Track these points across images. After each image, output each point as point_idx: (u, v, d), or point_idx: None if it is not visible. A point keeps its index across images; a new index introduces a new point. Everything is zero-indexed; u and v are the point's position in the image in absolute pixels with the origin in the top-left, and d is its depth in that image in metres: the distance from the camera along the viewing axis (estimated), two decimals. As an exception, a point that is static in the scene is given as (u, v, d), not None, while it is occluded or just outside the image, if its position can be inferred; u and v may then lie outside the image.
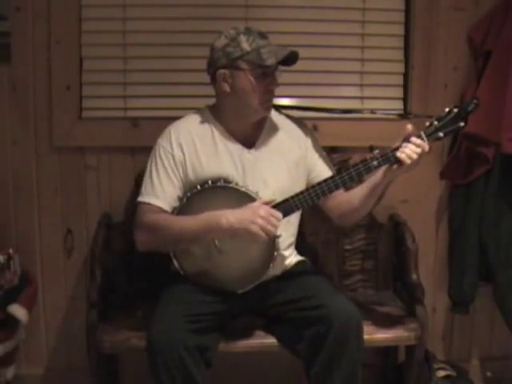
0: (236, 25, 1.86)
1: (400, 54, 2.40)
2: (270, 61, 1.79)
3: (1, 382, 2.09)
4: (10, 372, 2.12)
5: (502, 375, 2.50)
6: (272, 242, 1.81)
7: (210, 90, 1.92)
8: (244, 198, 1.80)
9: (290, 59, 1.84)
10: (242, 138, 1.91)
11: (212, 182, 1.83)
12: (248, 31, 1.82)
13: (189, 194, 1.84)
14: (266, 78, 1.82)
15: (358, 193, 1.86)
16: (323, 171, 1.94)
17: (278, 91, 2.02)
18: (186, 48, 2.30)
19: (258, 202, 1.76)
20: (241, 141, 1.91)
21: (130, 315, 2.05)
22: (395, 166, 1.74)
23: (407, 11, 2.37)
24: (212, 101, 1.94)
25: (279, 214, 1.74)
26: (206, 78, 1.90)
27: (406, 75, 2.40)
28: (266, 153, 1.92)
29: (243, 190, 1.82)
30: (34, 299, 2.19)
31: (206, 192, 1.83)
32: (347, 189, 1.90)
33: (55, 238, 2.34)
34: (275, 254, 1.83)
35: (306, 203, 1.79)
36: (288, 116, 2.03)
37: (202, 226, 1.77)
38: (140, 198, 1.88)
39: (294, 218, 1.98)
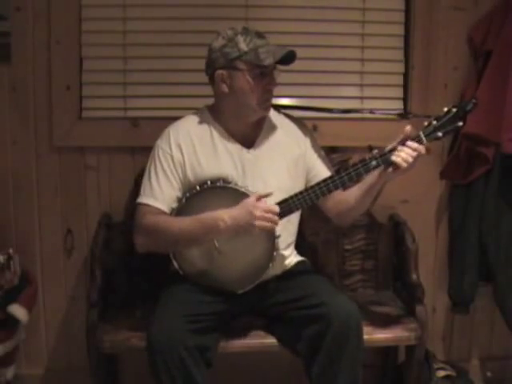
0: (236, 25, 1.86)
1: (400, 54, 2.40)
2: (268, 61, 1.79)
3: (1, 381, 2.09)
4: (9, 372, 2.12)
5: (502, 375, 2.50)
6: (271, 241, 1.81)
7: (210, 90, 1.92)
8: (243, 198, 1.80)
9: (288, 59, 1.84)
10: (241, 138, 1.91)
11: (211, 183, 1.83)
12: (245, 31, 1.82)
13: (188, 195, 1.84)
14: (265, 77, 1.83)
15: (355, 192, 1.87)
16: (322, 171, 1.95)
17: (278, 91, 2.02)
18: (186, 48, 2.30)
19: (252, 198, 1.75)
20: (240, 141, 1.91)
21: (129, 315, 2.05)
22: (390, 169, 1.74)
23: (407, 11, 2.37)
24: (212, 101, 1.94)
25: (275, 207, 1.74)
26: (206, 78, 1.90)
27: (406, 75, 2.40)
28: (266, 152, 1.92)
29: (242, 190, 1.82)
30: (34, 299, 2.19)
31: (206, 192, 1.83)
32: (345, 189, 1.90)
33: (55, 238, 2.34)
34: (275, 253, 1.83)
35: (306, 203, 1.79)
36: (287, 115, 2.03)
37: (200, 227, 1.77)
38: (139, 200, 1.88)
39: (294, 218, 1.98)
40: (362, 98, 2.41)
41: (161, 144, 1.90)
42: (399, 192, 2.35)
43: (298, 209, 1.81)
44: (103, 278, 2.03)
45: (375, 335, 1.96)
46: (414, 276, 2.09)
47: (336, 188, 1.79)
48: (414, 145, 1.72)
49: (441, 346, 2.50)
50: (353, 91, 2.42)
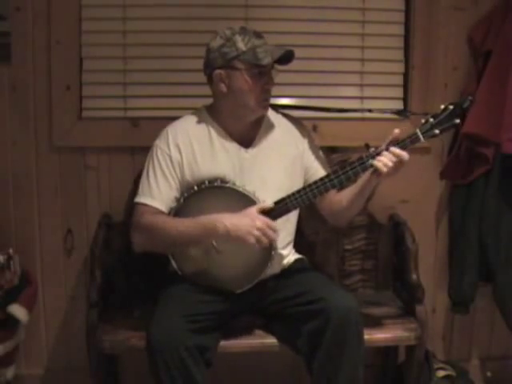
0: (236, 25, 1.86)
1: (400, 54, 2.40)
2: (266, 60, 1.79)
3: (1, 382, 2.09)
4: (9, 372, 2.12)
5: (502, 375, 2.50)
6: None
7: (210, 90, 1.91)
8: (241, 197, 1.80)
9: (286, 58, 1.84)
10: (240, 138, 1.91)
11: (209, 182, 1.83)
12: (243, 31, 1.82)
13: (186, 195, 1.84)
14: (263, 77, 1.83)
15: (347, 194, 1.88)
16: (319, 171, 1.95)
17: (278, 91, 2.03)
18: (186, 48, 2.30)
19: (255, 209, 1.76)
20: (238, 140, 1.91)
21: (129, 315, 2.05)
22: (375, 174, 1.73)
23: (407, 11, 2.37)
24: (211, 101, 1.94)
25: (276, 226, 1.75)
26: (205, 78, 1.90)
27: (406, 75, 2.40)
28: (264, 152, 1.92)
29: (240, 189, 1.83)
30: (34, 299, 2.19)
31: (203, 192, 1.84)
32: (339, 189, 1.90)
33: (55, 238, 2.34)
34: (273, 253, 1.83)
35: (303, 202, 1.79)
36: (285, 115, 2.03)
37: (199, 229, 1.77)
38: (137, 199, 1.89)
39: (292, 217, 1.98)
40: (361, 98, 2.41)
41: (159, 144, 1.90)
42: (399, 192, 2.35)
43: (295, 208, 1.81)
44: (103, 278, 2.03)
45: (375, 335, 1.96)
46: (414, 276, 2.09)
47: (333, 187, 1.79)
48: (397, 151, 1.71)
49: (441, 345, 2.50)
50: (353, 91, 2.42)
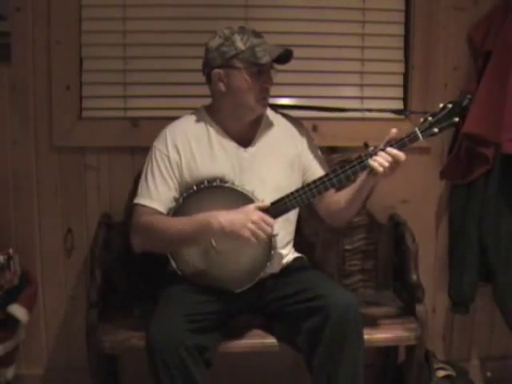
0: (235, 25, 1.86)
1: (400, 54, 2.40)
2: (265, 59, 1.79)
3: (1, 381, 2.09)
4: (9, 372, 2.12)
5: (502, 375, 2.50)
6: (269, 240, 1.81)
7: (210, 90, 1.92)
8: (240, 197, 1.81)
9: (285, 57, 1.84)
10: (239, 137, 1.91)
11: (208, 182, 1.84)
12: (242, 30, 1.82)
13: (185, 195, 1.85)
14: (262, 76, 1.83)
15: (345, 195, 1.88)
16: (318, 171, 1.95)
17: (278, 91, 2.03)
18: (186, 48, 2.30)
19: (252, 206, 1.76)
20: (237, 140, 1.91)
21: (129, 315, 2.05)
22: (372, 174, 1.73)
23: (407, 11, 2.37)
24: (211, 101, 1.94)
25: (272, 220, 1.75)
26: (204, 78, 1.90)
27: (406, 75, 2.40)
28: (263, 151, 1.92)
29: (239, 189, 1.83)
30: (34, 299, 2.19)
31: (203, 192, 1.84)
32: (338, 189, 1.90)
33: (55, 238, 2.34)
34: (272, 252, 1.83)
35: (302, 201, 1.79)
36: (284, 115, 2.04)
37: (195, 227, 1.77)
38: (135, 200, 1.89)
39: (292, 217, 1.98)
40: (361, 98, 2.41)
41: (157, 145, 1.91)
42: (399, 192, 2.35)
43: (294, 207, 1.81)
44: (103, 277, 2.03)
45: (375, 335, 1.96)
46: (414, 276, 2.09)
47: (332, 186, 1.79)
48: (393, 151, 1.71)
49: (441, 345, 2.50)
50: (353, 91, 2.42)
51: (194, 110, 1.98)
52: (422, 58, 2.35)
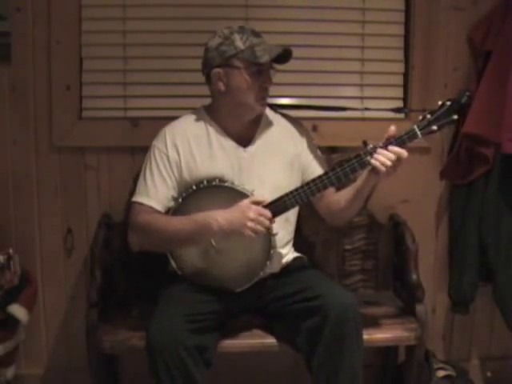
0: (235, 25, 1.86)
1: (400, 54, 2.40)
2: (264, 58, 1.79)
3: (1, 381, 2.09)
4: (9, 372, 2.12)
5: (502, 375, 2.50)
6: (268, 240, 1.81)
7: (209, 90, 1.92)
8: (240, 196, 1.80)
9: (284, 57, 1.84)
10: (238, 137, 1.91)
11: (207, 182, 1.84)
12: (242, 30, 1.83)
13: (184, 195, 1.85)
14: (261, 75, 1.83)
15: (345, 195, 1.88)
16: (317, 170, 1.95)
17: (278, 91, 2.03)
18: (186, 48, 2.30)
19: (247, 201, 1.76)
20: (236, 139, 1.91)
21: (129, 315, 2.05)
22: (374, 173, 1.73)
23: (407, 11, 2.37)
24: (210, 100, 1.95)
25: (268, 213, 1.75)
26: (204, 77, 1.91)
27: (406, 75, 2.40)
28: (262, 151, 1.92)
29: (239, 188, 1.83)
30: (34, 299, 2.19)
31: (202, 192, 1.84)
32: (338, 188, 1.90)
33: (55, 238, 2.34)
34: (272, 251, 1.83)
35: (301, 200, 1.79)
36: (283, 115, 2.04)
37: (194, 227, 1.77)
38: (133, 199, 1.90)
39: (292, 216, 1.98)
40: (361, 97, 2.41)
41: (157, 144, 1.91)
42: (399, 192, 2.35)
43: (293, 206, 1.81)
44: (103, 277, 2.03)
45: (375, 335, 1.96)
46: (414, 276, 2.09)
47: (331, 184, 1.79)
48: (395, 148, 1.71)
49: (441, 345, 2.50)
50: (353, 91, 2.42)
51: (194, 110, 1.98)
52: (422, 58, 2.35)
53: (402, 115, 2.28)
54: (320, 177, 1.79)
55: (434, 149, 2.38)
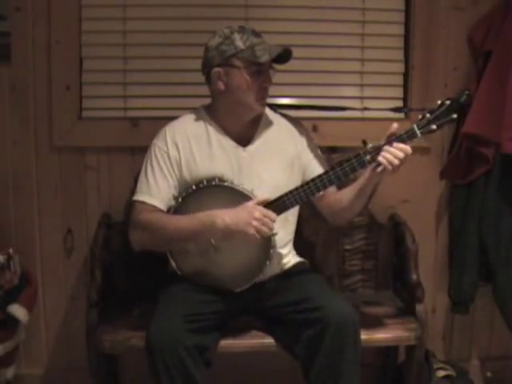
0: (235, 25, 1.86)
1: (400, 54, 2.40)
2: (264, 58, 1.79)
3: (1, 381, 2.09)
4: (9, 372, 2.12)
5: (502, 375, 2.50)
6: (268, 239, 1.81)
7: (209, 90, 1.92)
8: (239, 196, 1.81)
9: (284, 56, 1.84)
10: (238, 137, 1.91)
11: (207, 182, 1.84)
12: (242, 29, 1.83)
13: (184, 194, 1.85)
14: (261, 75, 1.83)
15: (347, 193, 1.87)
16: (317, 170, 1.94)
17: (278, 91, 2.03)
18: (186, 48, 2.30)
19: (252, 202, 1.76)
20: (236, 139, 1.91)
21: (129, 315, 2.05)
22: (379, 170, 1.73)
23: (407, 11, 2.37)
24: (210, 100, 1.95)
25: (274, 215, 1.75)
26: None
27: (406, 75, 2.40)
28: (262, 151, 1.92)
29: (238, 188, 1.83)
30: (34, 299, 2.19)
31: (202, 191, 1.84)
32: (339, 187, 1.90)
33: (55, 238, 2.34)
34: (271, 251, 1.83)
35: (301, 199, 1.79)
36: (283, 115, 2.04)
37: (197, 226, 1.77)
38: (135, 197, 1.89)
39: (292, 217, 1.98)
40: (361, 97, 2.41)
41: (157, 142, 1.91)
42: (399, 192, 2.35)
43: (293, 205, 1.81)
44: (103, 277, 2.03)
45: (375, 335, 1.96)
46: (414, 276, 2.09)
47: (331, 183, 1.79)
48: (400, 145, 1.71)
49: (441, 345, 2.50)
50: (353, 91, 2.42)
51: (194, 110, 1.98)
52: (422, 58, 2.35)
53: (401, 115, 2.28)
54: (320, 176, 1.79)
55: (434, 149, 2.38)
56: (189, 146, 1.89)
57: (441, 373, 2.24)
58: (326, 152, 2.22)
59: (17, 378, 2.22)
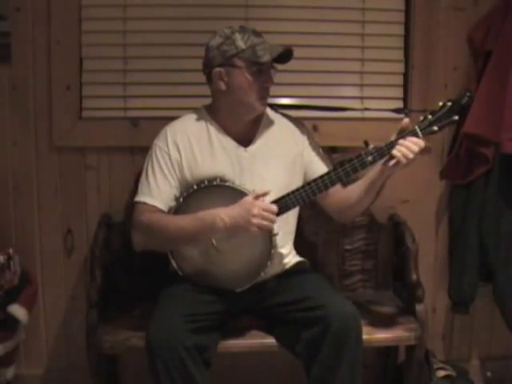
0: (235, 25, 1.86)
1: (400, 54, 2.40)
2: (266, 57, 1.79)
3: (1, 381, 2.09)
4: (9, 372, 2.13)
5: (502, 375, 2.50)
6: (269, 240, 1.81)
7: (210, 90, 1.92)
8: (240, 196, 1.80)
9: (285, 56, 1.84)
10: (239, 137, 1.91)
11: (208, 182, 1.83)
12: (243, 29, 1.83)
13: (185, 194, 1.85)
14: (262, 75, 1.83)
15: (356, 189, 1.87)
16: (320, 168, 1.94)
17: (278, 91, 2.03)
18: (186, 48, 2.30)
19: (250, 197, 1.76)
20: (237, 139, 1.91)
21: (129, 315, 2.05)
22: (392, 163, 1.73)
23: (407, 11, 2.37)
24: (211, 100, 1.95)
25: (273, 207, 1.75)
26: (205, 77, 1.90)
27: (406, 75, 2.40)
28: (263, 151, 1.92)
29: (240, 188, 1.83)
30: (34, 299, 2.19)
31: (203, 191, 1.84)
32: (344, 185, 1.90)
33: (55, 238, 2.34)
34: (273, 251, 1.83)
35: (303, 200, 1.79)
36: (284, 115, 2.04)
37: (198, 225, 1.77)
38: (136, 198, 1.89)
39: (292, 217, 1.98)
40: (361, 97, 2.41)
41: (158, 143, 1.91)
42: (399, 192, 2.35)
43: (295, 206, 1.81)
44: (103, 277, 2.03)
45: (375, 335, 1.96)
46: (414, 276, 2.08)
47: (332, 184, 1.79)
48: (414, 139, 1.71)
49: (441, 345, 2.50)
50: (353, 91, 2.42)
51: (195, 110, 1.98)
52: (422, 58, 2.36)
53: (402, 115, 2.28)
54: (321, 176, 1.79)
55: (434, 149, 2.38)
56: (190, 146, 1.89)
57: (441, 373, 2.24)
58: (326, 152, 2.21)
59: (17, 377, 2.22)
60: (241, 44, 1.80)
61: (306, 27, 2.34)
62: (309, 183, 1.80)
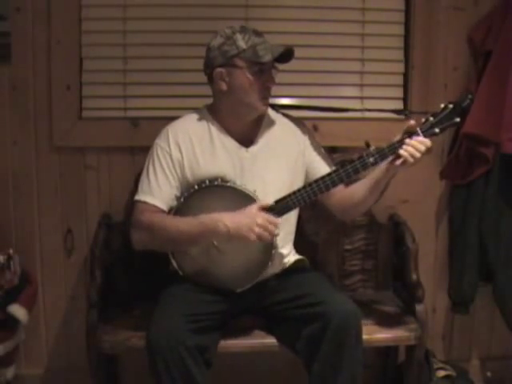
0: (235, 25, 1.86)
1: (400, 54, 2.40)
2: (267, 57, 1.79)
3: (1, 382, 2.09)
4: (9, 372, 2.12)
5: (502, 375, 2.50)
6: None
7: (210, 90, 1.92)
8: (242, 197, 1.80)
9: (286, 56, 1.84)
10: (240, 137, 1.91)
11: (209, 182, 1.83)
12: (243, 29, 1.83)
13: (186, 194, 1.85)
14: (263, 74, 1.83)
15: (360, 188, 1.87)
16: (322, 168, 1.94)
17: (278, 91, 2.02)
18: (186, 48, 2.30)
19: (255, 207, 1.76)
20: (238, 139, 1.91)
21: (129, 315, 2.05)
22: (398, 162, 1.73)
23: (407, 11, 2.37)
24: (212, 101, 1.94)
25: (277, 220, 1.75)
26: (206, 77, 1.90)
27: (405, 75, 2.40)
28: (264, 151, 1.92)
29: (241, 188, 1.83)
30: (34, 299, 2.19)
31: (204, 191, 1.84)
32: (346, 185, 1.90)
33: (55, 238, 2.34)
34: (273, 252, 1.83)
35: (304, 201, 1.79)
36: (285, 115, 2.04)
37: (199, 228, 1.77)
38: (137, 197, 1.89)
39: (292, 216, 1.98)
40: (361, 97, 2.41)
41: (159, 142, 1.90)
42: (399, 192, 2.35)
43: (296, 206, 1.81)
44: (103, 277, 2.03)
45: (375, 335, 1.96)
46: (414, 276, 2.08)
47: (334, 184, 1.79)
48: (421, 138, 1.72)
49: (441, 345, 2.50)
50: (353, 91, 2.42)
51: (196, 110, 1.98)
52: (422, 58, 2.36)
53: (402, 116, 2.28)
54: (323, 177, 1.79)
55: (434, 149, 2.36)
56: (191, 146, 1.89)
57: (441, 373, 2.25)
58: (327, 152, 2.22)
59: (17, 377, 2.22)
60: (242, 44, 1.80)
61: (306, 27, 2.34)
62: (310, 184, 1.80)
